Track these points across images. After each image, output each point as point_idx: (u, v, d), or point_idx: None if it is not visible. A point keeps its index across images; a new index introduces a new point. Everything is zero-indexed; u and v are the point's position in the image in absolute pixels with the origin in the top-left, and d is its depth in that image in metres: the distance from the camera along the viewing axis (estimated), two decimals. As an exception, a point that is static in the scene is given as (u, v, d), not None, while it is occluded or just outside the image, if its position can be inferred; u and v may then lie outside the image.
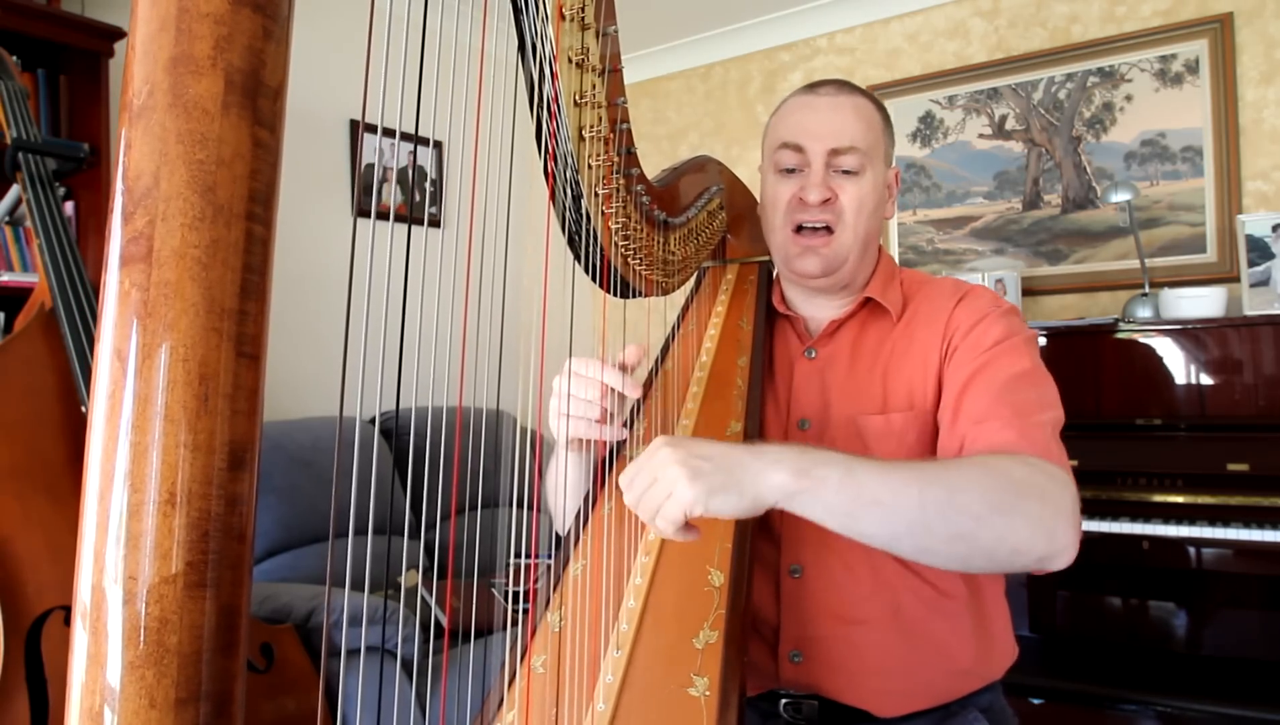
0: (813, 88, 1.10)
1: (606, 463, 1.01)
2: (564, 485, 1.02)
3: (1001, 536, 0.77)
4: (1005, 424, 0.89)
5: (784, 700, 1.01)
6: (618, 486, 0.98)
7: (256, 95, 0.37)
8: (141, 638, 0.35)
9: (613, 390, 0.93)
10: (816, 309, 1.14)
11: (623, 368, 0.94)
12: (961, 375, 0.97)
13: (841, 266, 1.07)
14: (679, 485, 0.70)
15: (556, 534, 1.05)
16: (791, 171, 1.08)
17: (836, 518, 0.75)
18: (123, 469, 0.35)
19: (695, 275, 1.29)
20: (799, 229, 1.08)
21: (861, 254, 1.08)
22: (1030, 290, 2.92)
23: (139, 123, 0.35)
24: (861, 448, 1.02)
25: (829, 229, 1.06)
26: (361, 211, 3.09)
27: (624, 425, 1.02)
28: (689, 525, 0.73)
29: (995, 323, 1.00)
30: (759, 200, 1.17)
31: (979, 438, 0.91)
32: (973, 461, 0.82)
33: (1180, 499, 2.17)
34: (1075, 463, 2.26)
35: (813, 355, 1.11)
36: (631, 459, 1.02)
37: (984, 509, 0.76)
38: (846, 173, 1.06)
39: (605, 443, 1.05)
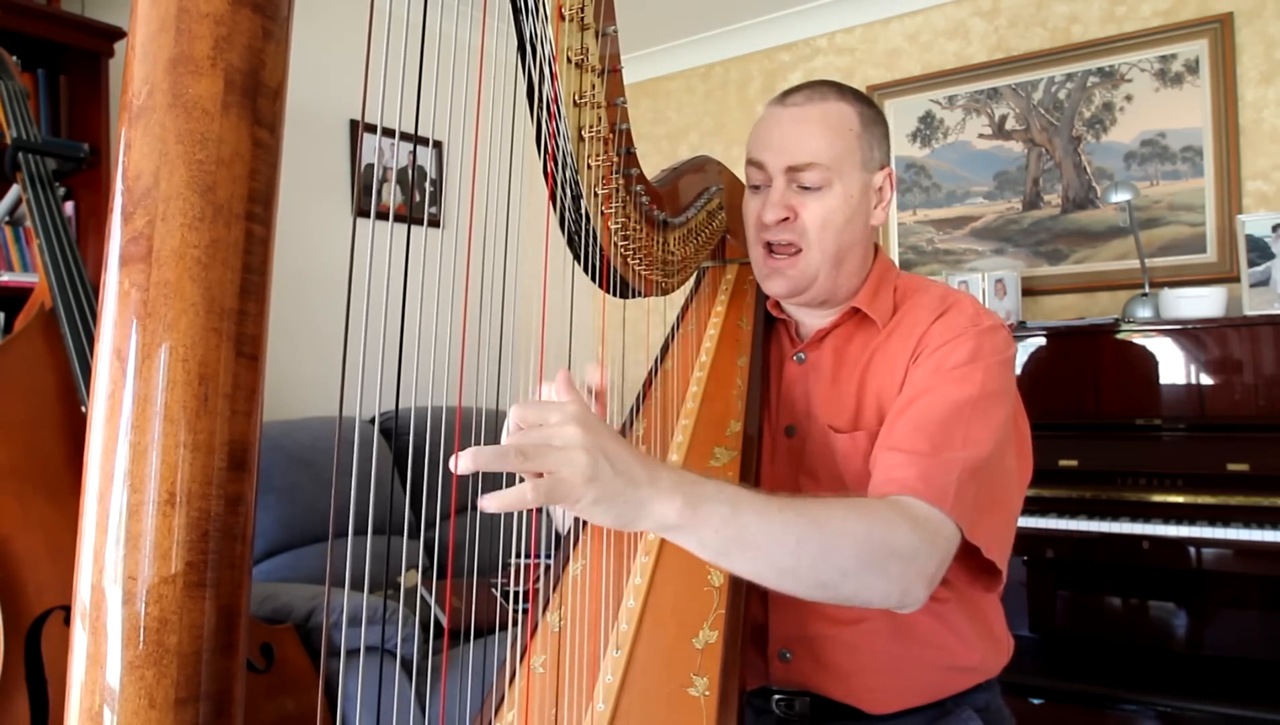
0: (785, 97, 1.07)
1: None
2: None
3: (859, 591, 0.80)
4: (912, 460, 0.88)
5: (776, 697, 1.01)
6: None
7: (256, 95, 0.37)
8: (141, 638, 0.35)
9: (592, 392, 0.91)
10: (805, 315, 1.13)
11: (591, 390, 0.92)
12: (909, 393, 0.96)
13: (810, 285, 1.05)
14: (574, 475, 0.64)
15: (556, 534, 1.05)
16: (758, 189, 1.07)
17: (707, 552, 0.74)
18: (122, 469, 0.35)
19: (695, 275, 1.29)
20: (768, 248, 1.06)
21: (834, 270, 1.05)
22: (1030, 290, 2.92)
23: (139, 123, 0.35)
24: (831, 462, 1.02)
25: (795, 247, 1.04)
26: (361, 211, 3.09)
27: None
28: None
29: (964, 344, 0.96)
30: None
31: (886, 467, 0.91)
32: (860, 513, 0.81)
33: (1180, 499, 2.17)
34: (1075, 462, 2.28)
35: (801, 359, 1.10)
36: None
37: (853, 566, 0.78)
38: (808, 189, 1.03)
39: None
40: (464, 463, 0.60)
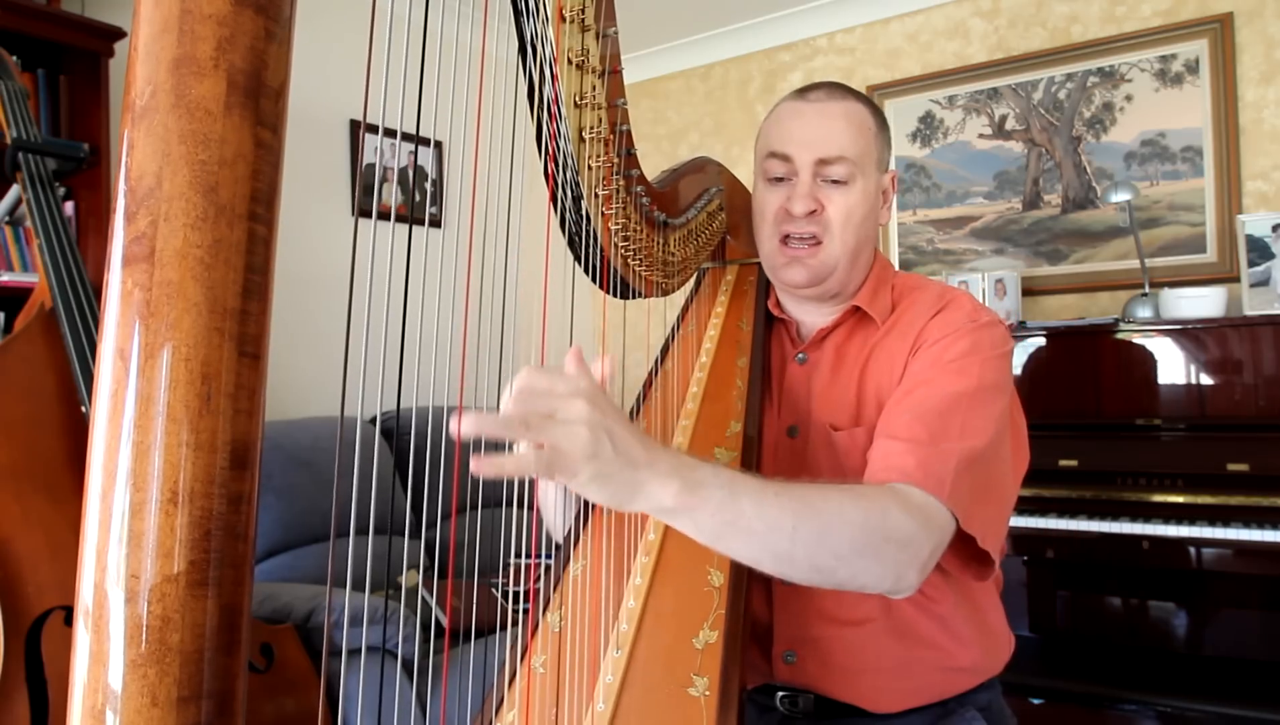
0: (803, 93, 1.09)
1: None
2: (553, 502, 1.02)
3: (854, 575, 0.81)
4: (911, 449, 0.89)
5: (781, 694, 1.01)
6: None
7: (258, 96, 0.37)
8: (144, 636, 0.35)
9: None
10: (806, 314, 1.14)
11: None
12: (907, 385, 0.97)
13: (829, 277, 1.06)
14: (575, 450, 0.63)
15: (555, 540, 1.05)
16: (780, 180, 1.07)
17: (704, 536, 0.74)
18: (125, 468, 0.35)
19: (695, 276, 1.29)
20: (786, 239, 1.07)
21: (850, 264, 1.06)
22: (1030, 290, 2.92)
23: (141, 123, 0.36)
24: (833, 459, 1.02)
25: (816, 240, 1.05)
26: (362, 211, 3.09)
27: None
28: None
29: (961, 338, 0.98)
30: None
31: (884, 455, 0.91)
32: (855, 498, 0.82)
33: (1180, 499, 2.17)
34: (1075, 462, 2.28)
35: (802, 360, 1.10)
36: None
37: (848, 551, 0.78)
38: (834, 182, 1.04)
39: None
40: (466, 426, 0.59)
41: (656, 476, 0.68)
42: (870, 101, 1.10)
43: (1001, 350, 0.99)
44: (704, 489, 0.71)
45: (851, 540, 0.78)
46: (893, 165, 1.13)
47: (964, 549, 0.91)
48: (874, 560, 0.80)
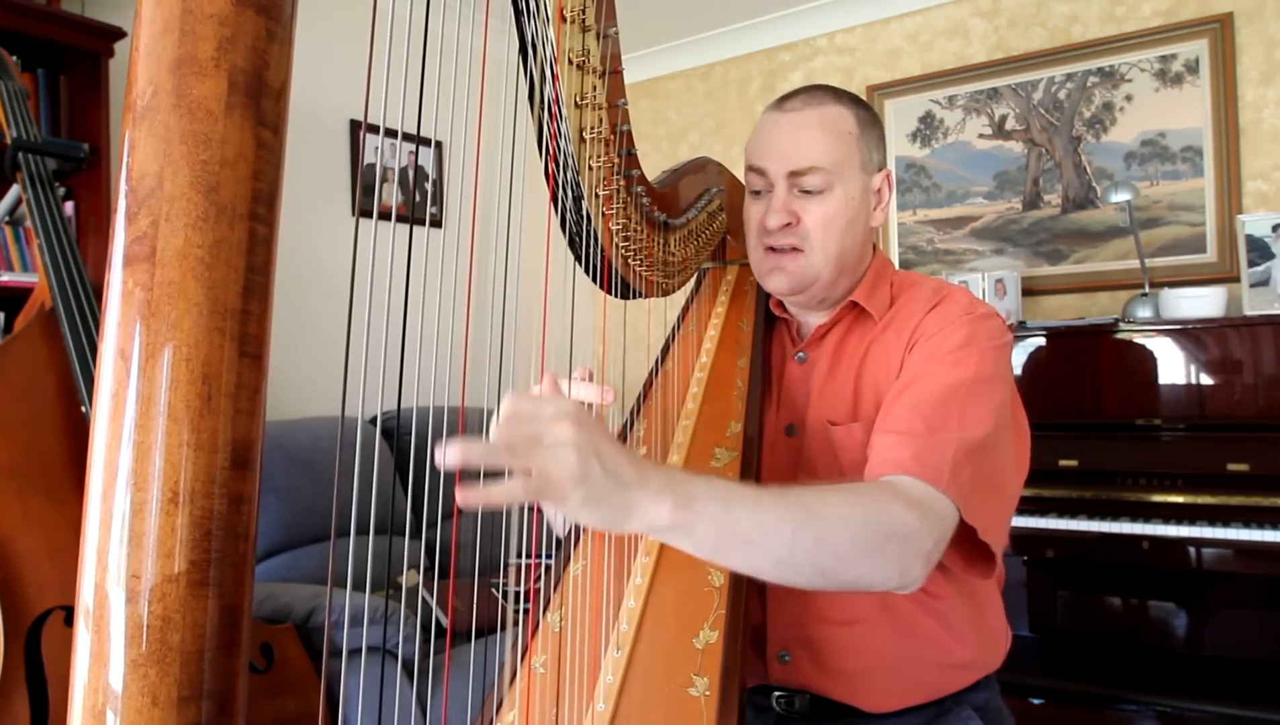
0: (781, 102, 1.08)
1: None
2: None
3: (859, 576, 0.79)
4: (907, 441, 0.88)
5: (777, 694, 1.01)
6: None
7: (260, 96, 0.37)
8: (144, 636, 0.35)
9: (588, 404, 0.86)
10: (805, 313, 1.14)
11: (589, 377, 0.87)
12: (904, 380, 0.97)
13: (812, 285, 1.06)
14: (563, 474, 0.61)
15: (557, 535, 1.05)
16: (759, 194, 1.07)
17: (703, 551, 0.73)
18: (126, 468, 0.35)
19: (695, 276, 1.29)
20: (770, 250, 1.06)
21: (835, 272, 1.06)
22: (1030, 290, 2.92)
23: (143, 123, 0.36)
24: (830, 456, 1.02)
25: (799, 250, 1.05)
26: (362, 212, 3.09)
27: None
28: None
29: (958, 330, 0.97)
30: None
31: (880, 448, 0.90)
32: (853, 498, 0.81)
33: (1180, 499, 2.17)
34: (1075, 462, 2.28)
35: (802, 359, 1.10)
36: None
37: (850, 551, 0.77)
38: (810, 193, 1.03)
39: None
40: (450, 456, 0.57)
41: (649, 494, 0.66)
42: (856, 101, 1.08)
43: (999, 342, 0.98)
44: (698, 503, 0.69)
45: (852, 540, 0.77)
46: (890, 164, 1.13)
47: (967, 545, 0.90)
48: (877, 558, 0.78)
